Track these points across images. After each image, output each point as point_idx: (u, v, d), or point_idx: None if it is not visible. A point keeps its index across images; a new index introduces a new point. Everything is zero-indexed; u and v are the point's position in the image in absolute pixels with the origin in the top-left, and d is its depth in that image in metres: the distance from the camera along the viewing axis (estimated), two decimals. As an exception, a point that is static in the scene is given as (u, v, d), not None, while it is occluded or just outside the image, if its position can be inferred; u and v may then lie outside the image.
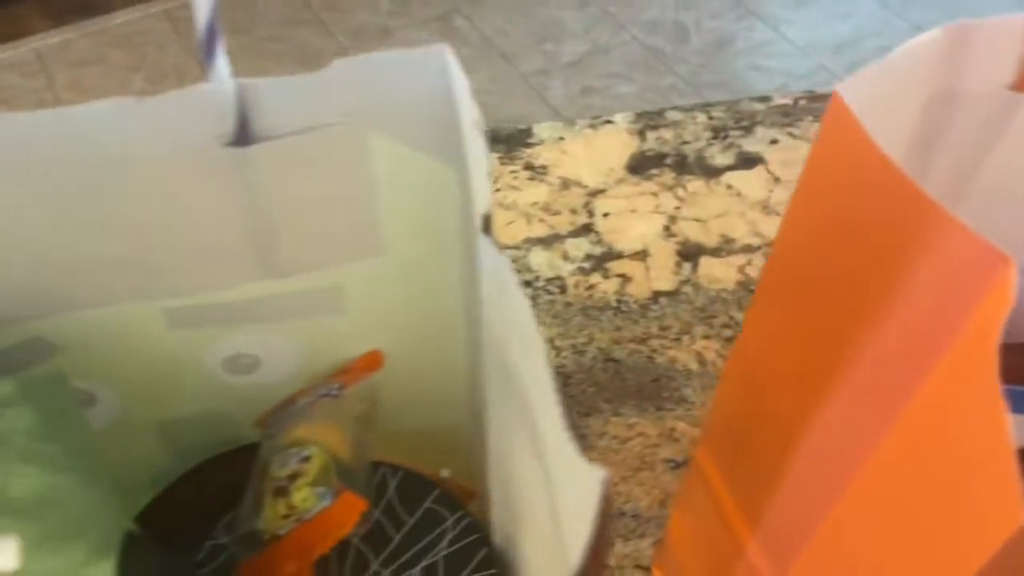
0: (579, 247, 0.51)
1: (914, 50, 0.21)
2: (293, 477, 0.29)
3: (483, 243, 0.20)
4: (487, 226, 0.20)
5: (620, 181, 0.52)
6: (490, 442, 0.24)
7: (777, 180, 0.54)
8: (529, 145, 0.56)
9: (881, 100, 0.22)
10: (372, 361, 0.31)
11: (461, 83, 0.22)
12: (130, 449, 0.28)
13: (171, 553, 0.27)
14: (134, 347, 0.26)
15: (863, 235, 0.22)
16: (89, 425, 0.25)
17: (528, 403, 0.19)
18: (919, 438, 0.21)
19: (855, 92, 0.22)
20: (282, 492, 0.29)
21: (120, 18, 2.41)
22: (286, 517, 0.29)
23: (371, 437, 0.30)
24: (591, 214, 0.53)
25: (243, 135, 0.22)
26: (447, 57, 0.23)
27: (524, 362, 0.18)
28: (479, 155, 0.21)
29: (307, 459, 0.29)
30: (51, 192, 0.23)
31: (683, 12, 2.30)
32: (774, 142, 0.56)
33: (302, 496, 0.29)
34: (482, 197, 0.20)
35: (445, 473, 0.34)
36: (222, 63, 0.21)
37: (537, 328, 0.17)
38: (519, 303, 0.18)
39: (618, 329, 0.47)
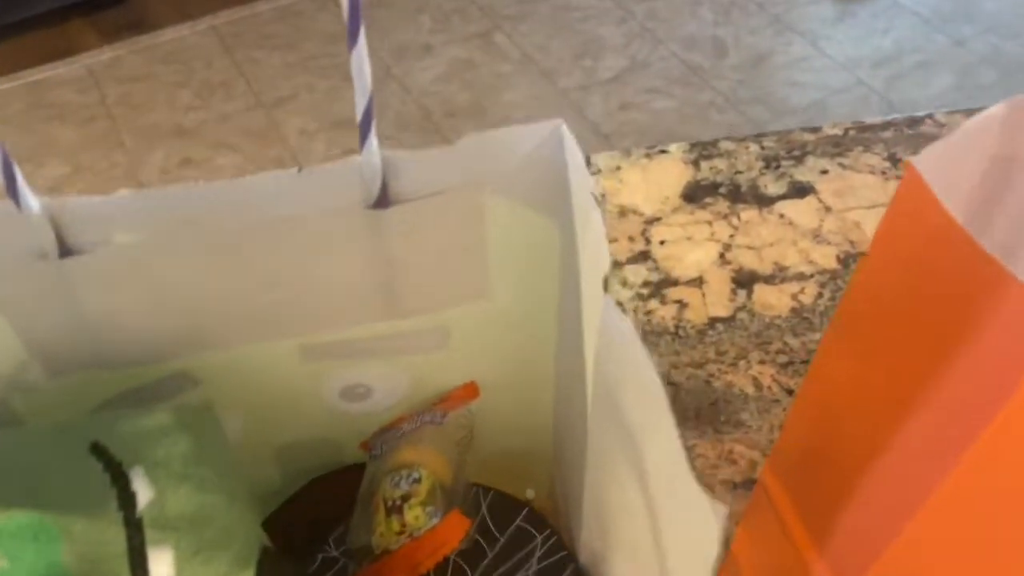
0: (637, 274, 0.54)
1: (979, 122, 0.24)
2: (406, 497, 0.32)
3: (605, 302, 0.22)
4: (607, 286, 0.23)
5: (676, 209, 0.54)
6: (588, 470, 0.27)
7: (828, 209, 0.56)
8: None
9: (948, 168, 0.24)
10: (470, 392, 0.33)
11: (573, 153, 0.25)
12: (247, 471, 0.30)
13: (292, 565, 0.30)
14: (266, 379, 0.29)
15: (933, 291, 0.24)
16: (231, 450, 0.28)
17: (637, 443, 0.21)
18: (994, 463, 0.23)
19: (927, 162, 0.24)
20: (396, 510, 0.32)
21: (169, 35, 2.46)
22: (399, 534, 0.32)
23: (468, 460, 0.33)
24: (648, 241, 0.55)
25: (383, 199, 0.25)
26: (561, 130, 0.25)
27: (639, 409, 0.21)
28: (597, 225, 0.24)
29: (417, 480, 0.32)
30: (220, 249, 0.25)
31: (721, 28, 2.32)
32: (824, 172, 0.58)
33: (414, 515, 0.32)
34: (603, 260, 0.23)
35: (530, 494, 0.36)
36: (373, 139, 0.24)
37: (660, 380, 0.20)
38: (640, 356, 0.20)
39: (676, 354, 0.49)
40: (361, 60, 0.23)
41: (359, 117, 0.23)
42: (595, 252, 0.24)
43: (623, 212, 0.58)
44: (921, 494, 0.25)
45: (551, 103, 2.13)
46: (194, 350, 0.27)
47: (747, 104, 2.16)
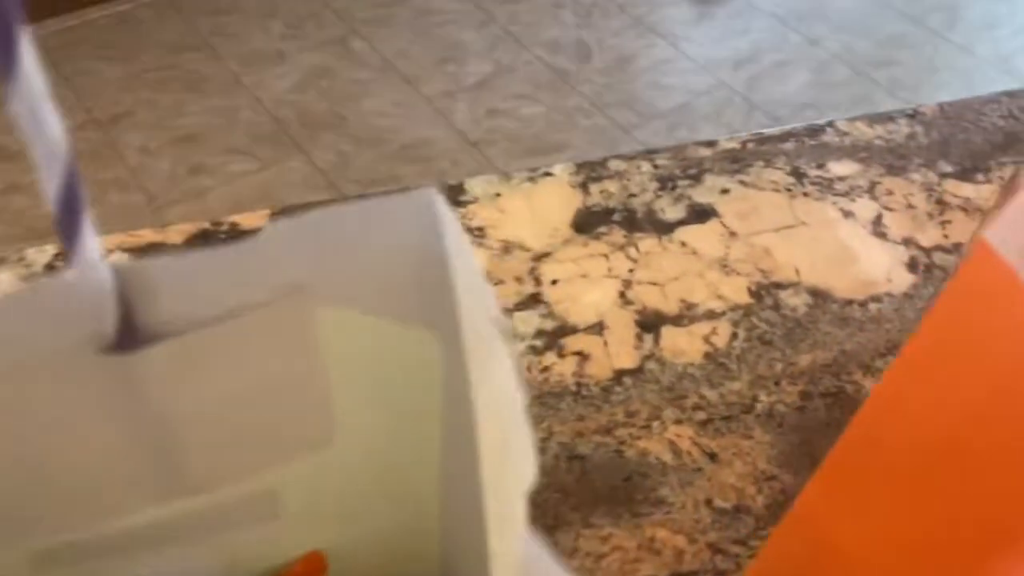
0: (529, 321, 0.46)
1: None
2: None
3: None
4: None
5: (567, 242, 0.47)
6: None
7: (733, 235, 0.50)
8: (462, 203, 0.50)
9: (1015, 238, 0.18)
10: (313, 566, 0.24)
11: (453, 234, 0.17)
12: None
13: None
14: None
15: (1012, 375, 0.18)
16: None
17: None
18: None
19: (997, 236, 0.18)
20: None
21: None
22: None
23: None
24: (538, 281, 0.47)
25: (127, 336, 0.16)
26: (433, 204, 0.17)
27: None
28: (496, 334, 0.15)
29: None
30: None
31: (584, 31, 2.29)
32: (725, 191, 0.52)
33: None
34: (517, 391, 0.15)
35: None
36: (89, 242, 0.15)
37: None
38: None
39: (580, 419, 0.41)
40: (36, 108, 0.13)
41: (53, 206, 0.14)
42: (498, 390, 0.15)
43: (507, 248, 0.50)
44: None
45: (415, 110, 2.04)
46: None
47: (614, 108, 2.14)
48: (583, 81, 2.18)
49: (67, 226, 0.14)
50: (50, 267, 0.48)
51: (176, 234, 0.50)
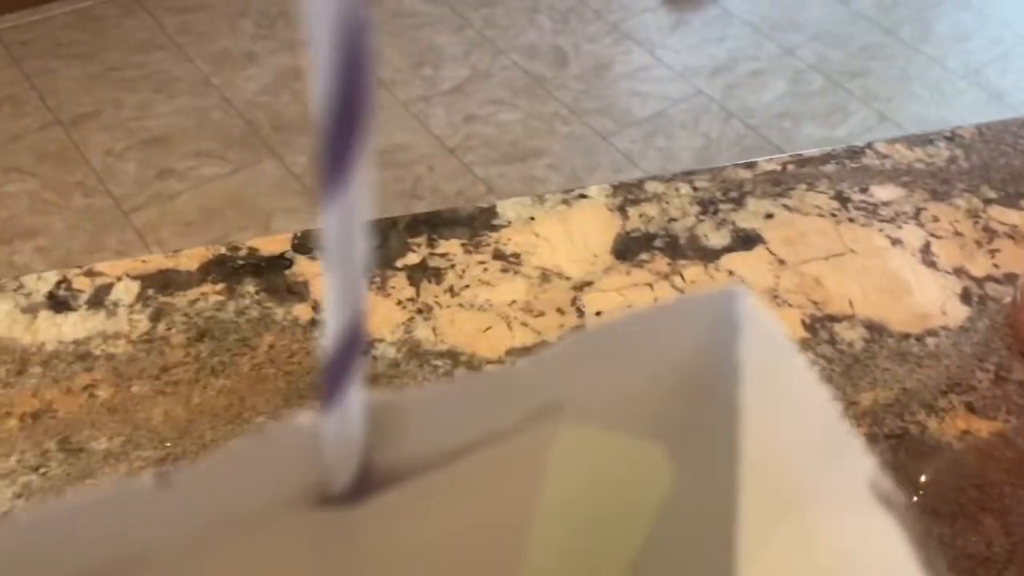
0: (575, 358, 0.42)
1: None
2: None
3: None
4: None
5: (608, 269, 0.44)
6: None
7: (782, 263, 0.48)
8: (495, 228, 0.47)
9: None
10: None
11: (761, 339, 0.14)
12: None
13: None
14: None
15: None
16: None
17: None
18: None
19: None
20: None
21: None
22: None
23: None
24: (581, 313, 0.44)
25: (359, 485, 0.13)
26: (734, 304, 0.14)
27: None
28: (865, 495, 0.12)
29: None
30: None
31: (561, 36, 2.26)
32: (769, 216, 0.50)
33: None
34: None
35: None
36: (357, 389, 0.11)
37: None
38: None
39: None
40: (350, 232, 0.10)
41: (329, 343, 0.11)
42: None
43: (546, 276, 0.47)
44: None
45: (391, 115, 2.00)
46: None
47: (591, 115, 2.12)
48: (560, 87, 2.16)
49: (338, 368, 0.11)
50: (51, 296, 0.44)
51: (189, 259, 0.46)
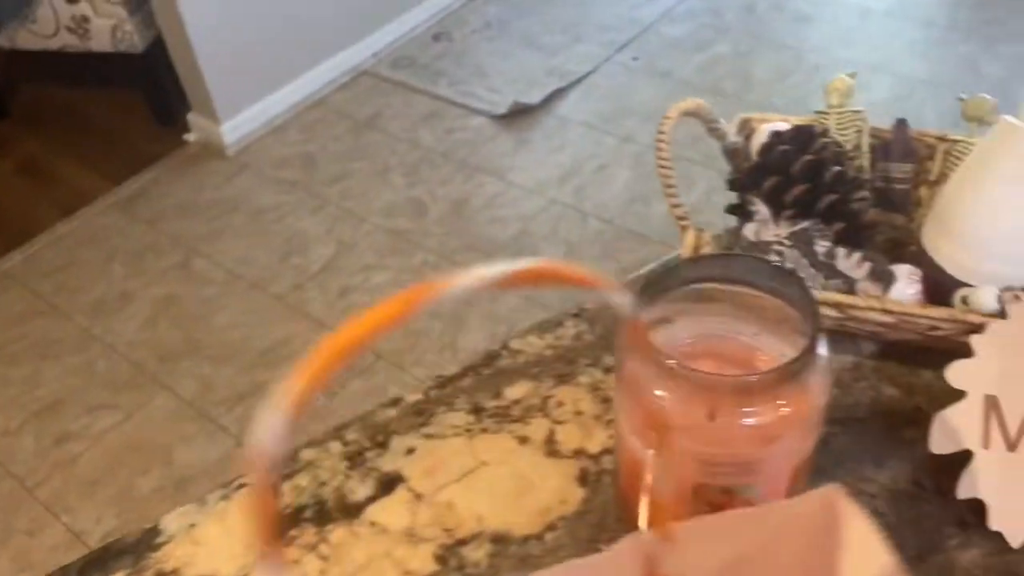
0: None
1: None
2: None
3: None
4: None
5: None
6: None
7: (419, 497, 0.53)
8: (156, 547, 0.52)
9: None
10: None
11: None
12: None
13: None
14: None
15: None
16: None
17: None
18: None
19: None
20: None
21: None
22: None
23: None
24: (238, 611, 0.49)
25: None
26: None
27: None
28: None
29: None
30: None
31: (415, 188, 2.37)
32: (411, 451, 0.55)
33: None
34: None
35: None
36: None
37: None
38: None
39: None
40: None
41: None
42: None
43: (205, 580, 0.52)
44: None
45: (268, 313, 2.07)
46: None
47: (459, 253, 2.20)
48: (424, 235, 2.25)
49: None
50: None
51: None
